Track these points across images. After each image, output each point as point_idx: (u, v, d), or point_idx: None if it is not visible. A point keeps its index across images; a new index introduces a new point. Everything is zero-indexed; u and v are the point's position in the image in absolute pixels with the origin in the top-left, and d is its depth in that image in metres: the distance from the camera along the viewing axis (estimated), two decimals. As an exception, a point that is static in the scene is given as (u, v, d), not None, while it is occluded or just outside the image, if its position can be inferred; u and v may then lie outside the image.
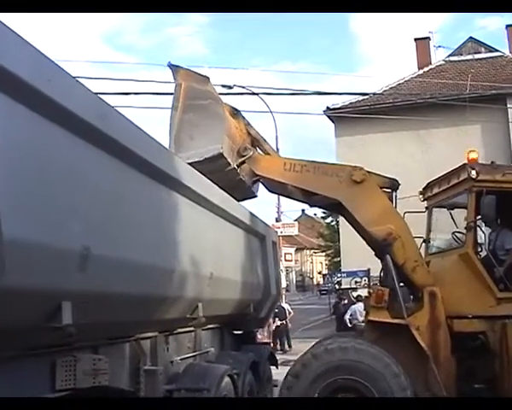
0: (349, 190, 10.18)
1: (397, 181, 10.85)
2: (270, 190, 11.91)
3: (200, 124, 10.00)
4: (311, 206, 13.29)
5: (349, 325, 23.35)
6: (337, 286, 43.23)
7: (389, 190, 10.64)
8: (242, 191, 11.10)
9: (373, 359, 8.99)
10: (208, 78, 10.60)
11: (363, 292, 26.71)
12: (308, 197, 10.92)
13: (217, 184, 9.32)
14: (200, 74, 10.64)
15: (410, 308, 9.91)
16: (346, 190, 10.20)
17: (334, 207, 11.08)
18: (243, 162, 10.42)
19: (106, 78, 33.37)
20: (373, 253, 11.02)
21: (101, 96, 5.89)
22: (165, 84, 20.06)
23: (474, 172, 9.69)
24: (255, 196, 11.71)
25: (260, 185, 11.27)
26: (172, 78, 10.59)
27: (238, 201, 11.32)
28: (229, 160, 10.03)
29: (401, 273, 9.94)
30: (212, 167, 9.74)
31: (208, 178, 9.12)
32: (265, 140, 11.06)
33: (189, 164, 9.05)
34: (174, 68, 10.56)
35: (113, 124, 5.64)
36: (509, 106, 28.91)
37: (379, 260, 10.69)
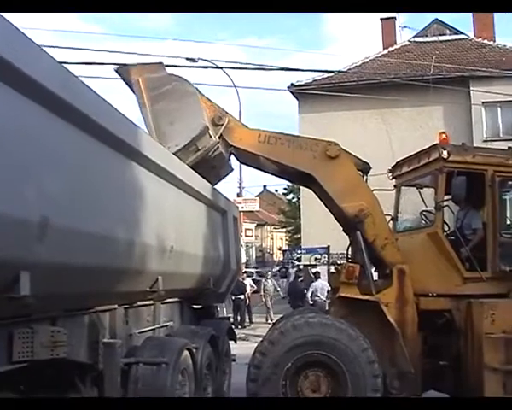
0: (323, 164, 10.18)
1: (368, 164, 10.95)
2: (241, 162, 11.91)
3: (175, 107, 9.93)
4: (283, 179, 13.32)
5: (310, 302, 23.43)
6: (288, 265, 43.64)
7: (360, 173, 10.71)
8: (223, 168, 11.18)
9: (340, 333, 9.07)
10: (161, 63, 10.60)
11: (323, 269, 27.09)
12: (280, 170, 10.94)
13: (199, 169, 9.61)
14: (151, 63, 10.60)
15: (379, 285, 10.01)
16: (320, 164, 10.19)
17: (306, 181, 11.08)
18: (221, 135, 10.36)
19: (70, 47, 32.68)
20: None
21: (65, 65, 5.80)
22: (131, 55, 19.87)
23: (445, 153, 9.80)
24: (232, 170, 11.75)
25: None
26: (124, 81, 10.43)
27: (221, 178, 11.40)
28: (211, 133, 10.02)
29: (371, 250, 10.00)
30: (198, 146, 9.81)
31: (190, 166, 9.37)
32: (229, 113, 11.01)
33: (180, 150, 9.41)
34: (123, 70, 10.43)
35: (76, 93, 5.54)
36: (471, 88, 29.14)
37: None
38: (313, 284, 24.34)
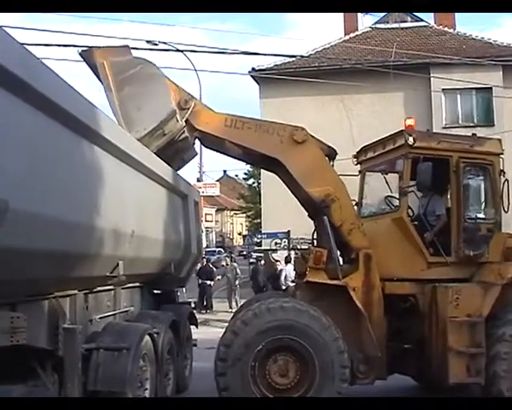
0: (289, 149, 10.18)
1: (334, 150, 10.98)
2: (206, 146, 11.86)
3: (142, 91, 9.83)
4: (248, 164, 13.39)
5: (283, 287, 23.15)
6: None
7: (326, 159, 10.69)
8: (187, 152, 11.15)
9: (313, 320, 9.06)
10: (127, 46, 10.46)
11: (283, 254, 27.11)
12: (246, 155, 10.93)
13: (164, 154, 9.69)
14: (117, 46, 10.45)
15: (345, 270, 10.03)
16: (287, 149, 10.18)
17: (272, 166, 11.03)
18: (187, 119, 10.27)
19: (30, 28, 32.30)
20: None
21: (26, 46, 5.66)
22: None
23: (411, 139, 9.90)
24: (196, 155, 11.67)
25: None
26: (88, 65, 10.22)
27: (185, 163, 11.31)
28: (178, 116, 9.94)
29: (337, 235, 10.02)
30: (165, 130, 9.76)
31: (156, 151, 9.46)
32: (194, 97, 10.91)
33: (147, 134, 9.45)
34: (87, 52, 10.21)
35: (37, 75, 5.44)
36: (431, 75, 29.37)
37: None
38: (285, 268, 24.22)
